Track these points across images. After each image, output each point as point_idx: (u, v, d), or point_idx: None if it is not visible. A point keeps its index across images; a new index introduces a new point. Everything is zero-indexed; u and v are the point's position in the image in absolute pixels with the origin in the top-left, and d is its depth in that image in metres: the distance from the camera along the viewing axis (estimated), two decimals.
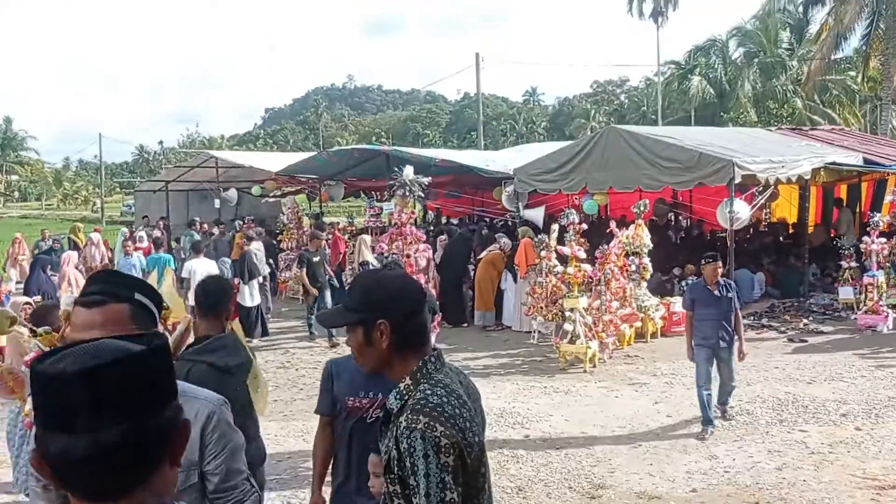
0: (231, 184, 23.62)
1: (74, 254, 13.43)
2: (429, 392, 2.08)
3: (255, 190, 22.29)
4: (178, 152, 73.73)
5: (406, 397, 2.12)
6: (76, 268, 12.61)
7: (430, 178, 9.60)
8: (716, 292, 7.47)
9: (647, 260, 12.16)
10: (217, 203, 22.66)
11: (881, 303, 12.12)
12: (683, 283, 14.21)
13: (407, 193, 8.68)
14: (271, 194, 22.96)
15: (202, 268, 11.66)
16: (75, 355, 1.19)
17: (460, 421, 2.05)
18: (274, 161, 23.11)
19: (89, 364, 1.17)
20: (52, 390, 1.17)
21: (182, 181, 24.96)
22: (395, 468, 2.05)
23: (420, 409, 2.04)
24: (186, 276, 12.05)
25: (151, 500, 1.23)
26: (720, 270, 7.59)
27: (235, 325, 4.13)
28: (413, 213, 9.13)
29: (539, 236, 12.26)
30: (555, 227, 11.55)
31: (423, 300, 2.26)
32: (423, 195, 9.25)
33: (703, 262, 7.81)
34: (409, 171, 8.55)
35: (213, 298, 3.80)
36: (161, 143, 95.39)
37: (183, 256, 15.83)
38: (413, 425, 2.01)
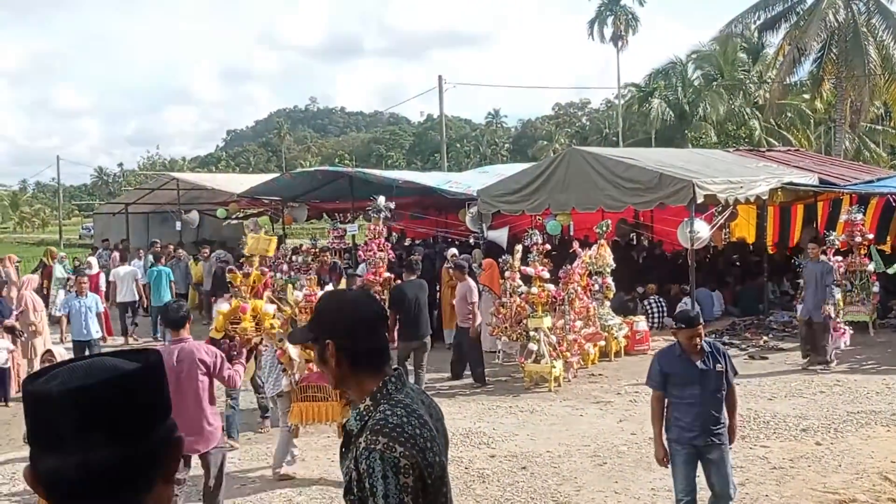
0: (192, 206, 23.38)
1: (35, 277, 13.09)
2: (388, 412, 2.06)
3: (220, 212, 22.08)
4: (138, 174, 72.79)
5: (366, 418, 2.09)
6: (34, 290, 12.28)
7: (393, 202, 12.53)
8: (699, 363, 5.10)
9: (609, 279, 12.25)
10: (178, 225, 22.39)
11: (838, 320, 12.33)
12: (645, 303, 14.37)
13: (380, 215, 11.84)
14: (234, 216, 22.77)
15: (124, 271, 15.41)
16: (65, 375, 1.18)
17: (420, 441, 2.03)
18: (236, 183, 22.97)
19: (75, 385, 1.15)
20: (40, 411, 1.17)
21: (142, 203, 24.67)
22: (355, 489, 2.03)
23: (379, 429, 2.01)
24: (112, 280, 15.38)
25: None
26: (700, 336, 5.16)
27: None
28: (385, 227, 12.12)
29: (503, 257, 12.30)
30: (518, 247, 11.60)
31: (377, 321, 2.24)
32: (388, 216, 12.25)
33: (675, 325, 5.37)
34: (381, 199, 11.86)
35: None
36: (121, 165, 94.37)
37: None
38: (372, 446, 1.99)
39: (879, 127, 34.48)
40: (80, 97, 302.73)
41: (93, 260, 17.17)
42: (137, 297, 14.84)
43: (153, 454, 1.20)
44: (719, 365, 5.13)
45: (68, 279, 15.18)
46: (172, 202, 22.77)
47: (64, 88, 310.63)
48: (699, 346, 5.12)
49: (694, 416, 5.09)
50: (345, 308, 2.24)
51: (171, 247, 17.75)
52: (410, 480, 1.97)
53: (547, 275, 10.77)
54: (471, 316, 10.57)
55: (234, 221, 24.34)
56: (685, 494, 5.26)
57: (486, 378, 10.88)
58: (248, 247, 8.16)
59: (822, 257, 11.53)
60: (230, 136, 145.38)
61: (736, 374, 5.41)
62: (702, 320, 5.37)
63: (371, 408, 2.10)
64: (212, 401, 5.67)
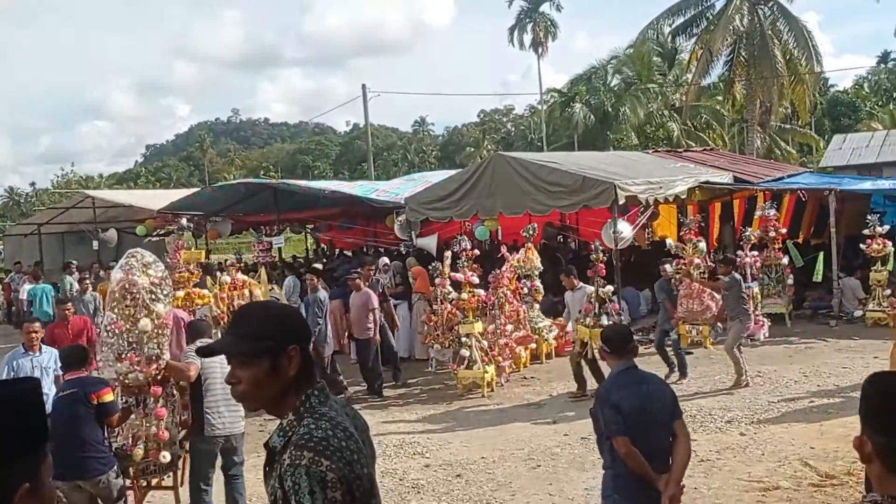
0: (111, 224, 22.61)
1: None
2: (312, 426, 2.00)
3: (139, 230, 21.37)
4: (52, 193, 69.94)
5: (289, 433, 2.03)
6: None
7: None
8: None
9: (538, 282, 12.39)
10: (95, 245, 21.61)
11: (757, 312, 12.76)
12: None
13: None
14: (154, 233, 22.08)
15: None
16: None
17: (347, 453, 1.98)
18: (156, 199, 22.29)
19: None
20: None
21: (56, 223, 23.74)
22: None
23: (304, 444, 1.96)
24: (23, 298, 17.38)
25: None
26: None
27: None
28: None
29: (433, 264, 12.29)
30: (448, 254, 11.61)
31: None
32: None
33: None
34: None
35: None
36: (33, 184, 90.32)
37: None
38: (297, 461, 1.93)
39: (788, 126, 35.99)
40: None
41: None
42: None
43: None
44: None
45: None
46: (89, 221, 21.97)
47: None
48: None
49: None
50: (299, 315, 2.21)
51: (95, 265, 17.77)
52: (338, 494, 1.92)
53: (476, 280, 10.81)
54: (370, 325, 10.59)
55: (156, 238, 23.62)
56: None
57: (421, 387, 10.86)
58: (183, 259, 9.93)
59: (741, 252, 11.91)
60: (149, 151, 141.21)
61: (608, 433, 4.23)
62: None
63: (294, 422, 2.04)
64: None
